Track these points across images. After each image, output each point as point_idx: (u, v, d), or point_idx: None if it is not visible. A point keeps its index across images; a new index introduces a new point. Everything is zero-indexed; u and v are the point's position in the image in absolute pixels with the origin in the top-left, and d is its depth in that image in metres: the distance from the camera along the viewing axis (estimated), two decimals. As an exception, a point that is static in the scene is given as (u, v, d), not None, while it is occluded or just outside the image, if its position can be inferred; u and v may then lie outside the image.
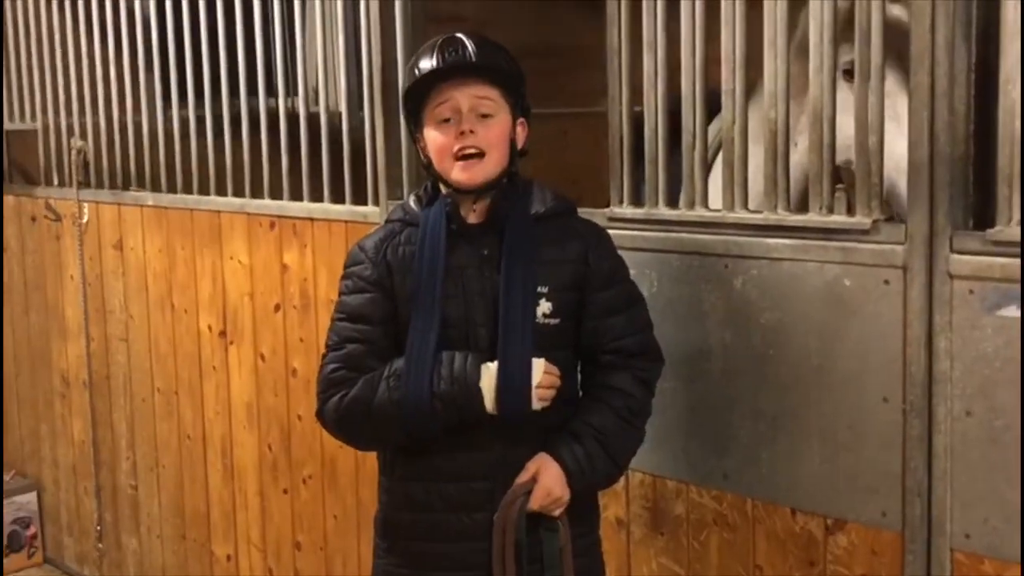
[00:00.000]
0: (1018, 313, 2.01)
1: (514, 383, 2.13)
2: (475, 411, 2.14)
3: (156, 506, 4.29)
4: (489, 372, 2.13)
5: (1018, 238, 2.00)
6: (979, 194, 2.13)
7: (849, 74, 2.36)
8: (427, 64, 2.17)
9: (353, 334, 2.22)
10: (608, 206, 2.65)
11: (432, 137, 2.20)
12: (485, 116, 2.18)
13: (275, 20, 3.50)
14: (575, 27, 4.59)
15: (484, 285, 2.19)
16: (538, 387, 2.15)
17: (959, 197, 2.10)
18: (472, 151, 2.16)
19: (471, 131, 2.15)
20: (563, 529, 2.20)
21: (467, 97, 2.16)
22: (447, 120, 2.18)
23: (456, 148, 2.16)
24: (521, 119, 2.26)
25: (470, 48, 2.16)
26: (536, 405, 2.16)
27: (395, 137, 3.13)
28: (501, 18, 4.05)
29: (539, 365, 2.15)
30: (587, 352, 2.28)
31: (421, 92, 2.20)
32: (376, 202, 3.22)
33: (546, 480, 2.17)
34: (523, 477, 2.18)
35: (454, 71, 2.16)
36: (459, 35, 2.19)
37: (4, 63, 4.75)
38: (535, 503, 2.17)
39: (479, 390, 2.12)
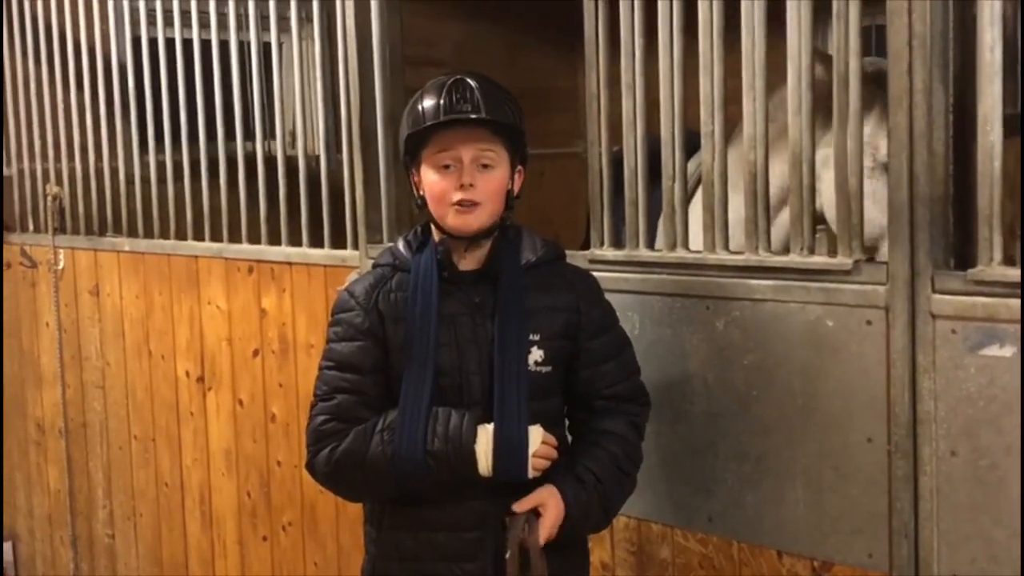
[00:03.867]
0: (1000, 352, 2.02)
1: (511, 450, 2.11)
2: (468, 472, 2.11)
3: (133, 556, 4.22)
4: (486, 434, 2.11)
5: (998, 277, 2.00)
6: (959, 234, 2.14)
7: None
8: (432, 105, 2.13)
9: (343, 384, 2.19)
10: (587, 247, 2.64)
11: (430, 181, 2.17)
12: (485, 167, 2.15)
13: (252, 63, 3.49)
14: (548, 70, 4.64)
15: (476, 333, 2.17)
16: (534, 455, 2.13)
17: (940, 237, 2.11)
18: (469, 203, 2.14)
19: (471, 184, 2.13)
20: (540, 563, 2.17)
21: (471, 149, 2.13)
22: (447, 166, 2.15)
23: (455, 199, 2.14)
24: (519, 167, 2.24)
25: (478, 97, 2.12)
26: (531, 474, 2.13)
27: (374, 181, 3.12)
28: (476, 61, 4.06)
29: (536, 433, 2.13)
30: (580, 399, 2.27)
31: (423, 133, 2.17)
32: (355, 246, 3.20)
33: (554, 516, 2.14)
34: (527, 504, 2.14)
35: (461, 121, 2.13)
36: (468, 80, 2.14)
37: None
38: (544, 530, 2.13)
39: (473, 452, 2.10)
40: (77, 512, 4.48)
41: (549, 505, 2.15)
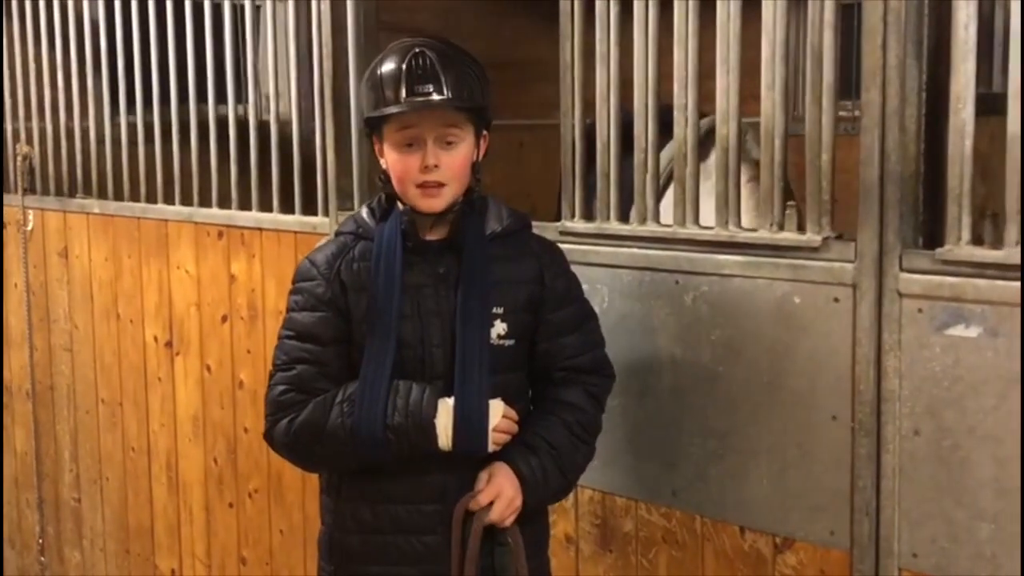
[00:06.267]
0: (965, 332, 2.01)
1: (471, 425, 2.08)
2: (428, 446, 2.09)
3: (99, 519, 4.20)
4: (446, 408, 2.08)
5: (965, 257, 2.00)
6: (929, 213, 2.13)
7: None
8: (392, 82, 2.06)
9: (303, 354, 2.16)
10: (560, 220, 2.63)
11: (393, 160, 2.13)
12: (450, 143, 2.11)
13: (226, 26, 3.44)
14: (530, 39, 4.59)
15: (440, 305, 2.14)
16: (494, 430, 2.11)
17: (909, 215, 2.10)
18: (434, 183, 2.11)
19: (436, 165, 2.09)
20: (514, 540, 2.16)
21: (433, 129, 2.09)
22: (410, 144, 2.10)
23: (419, 181, 2.10)
24: (484, 133, 2.20)
25: (440, 74, 2.05)
26: (491, 448, 2.12)
27: (345, 148, 3.09)
28: (456, 30, 4.03)
29: (497, 408, 2.12)
30: (540, 371, 2.25)
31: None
32: (326, 213, 3.17)
33: (505, 487, 2.12)
34: (478, 486, 2.13)
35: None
36: (428, 52, 2.08)
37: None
38: (496, 514, 2.12)
39: (433, 426, 2.07)
40: (44, 475, 4.45)
41: (499, 481, 2.13)
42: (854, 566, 2.19)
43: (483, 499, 2.12)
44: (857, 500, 2.17)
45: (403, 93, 2.06)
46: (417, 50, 2.09)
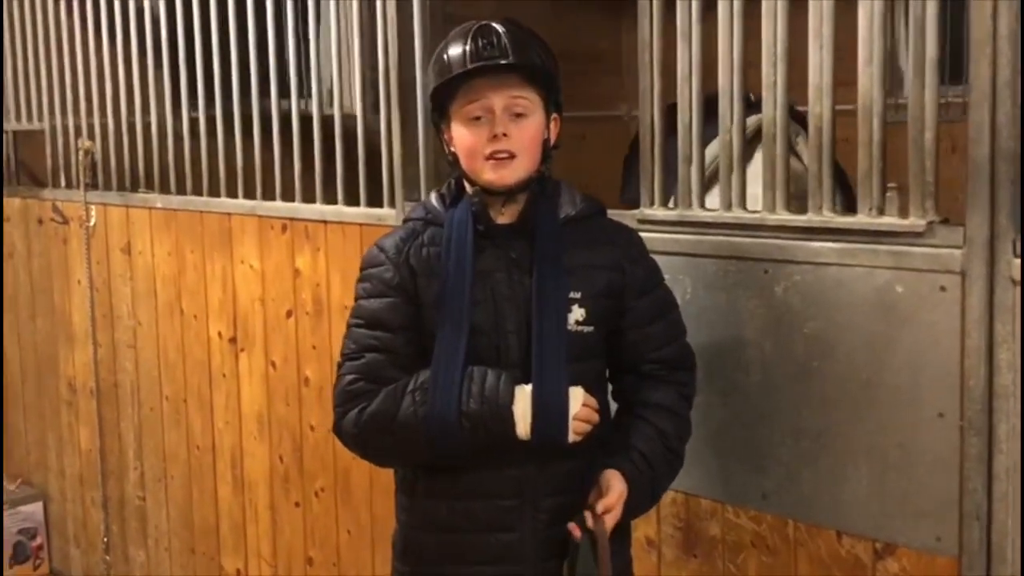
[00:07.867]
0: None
1: (551, 412, 1.98)
2: (505, 434, 1.99)
3: (164, 518, 4.15)
4: (524, 395, 1.98)
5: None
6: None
7: None
8: (458, 54, 2.01)
9: (372, 342, 2.07)
10: (625, 206, 2.50)
11: (461, 135, 2.05)
12: (519, 115, 2.03)
13: (288, 19, 3.37)
14: (592, 31, 4.49)
15: (514, 290, 2.04)
16: (574, 418, 2.00)
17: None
18: (504, 155, 2.02)
19: (504, 134, 2.01)
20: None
21: (501, 97, 2.01)
22: (478, 118, 2.03)
23: (488, 151, 2.02)
24: (555, 115, 2.12)
25: (505, 42, 2.00)
26: (571, 438, 2.01)
27: (412, 136, 2.99)
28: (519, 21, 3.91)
29: (577, 395, 2.01)
30: (626, 364, 2.15)
31: (450, 84, 2.06)
32: (392, 204, 3.08)
33: (619, 510, 2.03)
34: (612, 496, 2.02)
35: (489, 69, 2.01)
36: (494, 25, 2.03)
37: (6, 63, 4.65)
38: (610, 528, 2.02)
39: (511, 414, 1.97)
40: (108, 473, 4.42)
41: (614, 489, 2.02)
42: (963, 574, 2.05)
43: (611, 522, 2.01)
44: (966, 504, 2.03)
45: (468, 61, 2.00)
46: (483, 23, 2.04)
